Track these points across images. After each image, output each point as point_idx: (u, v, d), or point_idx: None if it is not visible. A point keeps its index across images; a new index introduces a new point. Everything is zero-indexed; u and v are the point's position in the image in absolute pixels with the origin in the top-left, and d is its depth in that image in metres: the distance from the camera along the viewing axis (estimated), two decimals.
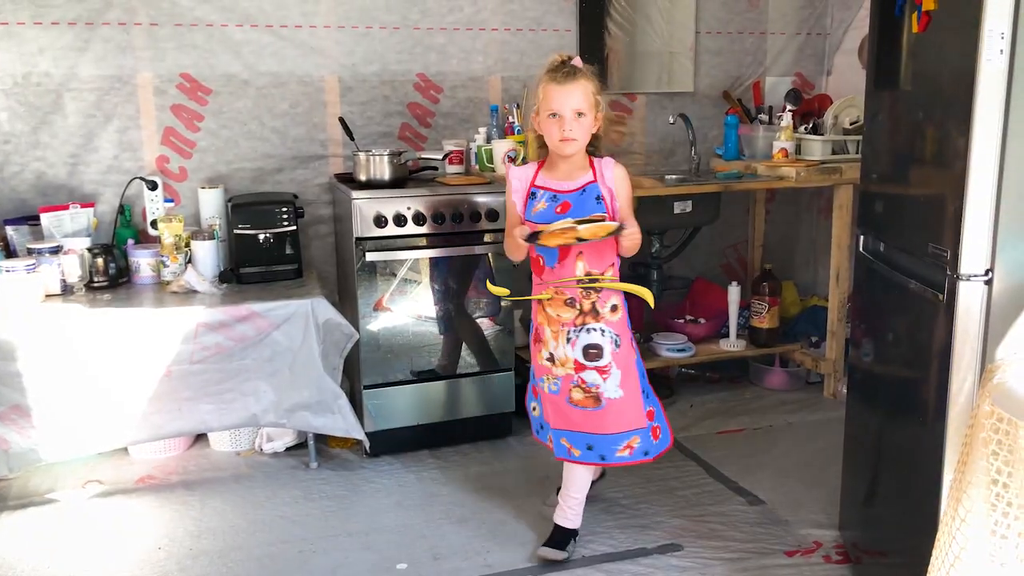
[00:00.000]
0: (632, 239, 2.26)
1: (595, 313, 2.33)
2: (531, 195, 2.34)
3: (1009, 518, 1.22)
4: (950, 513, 1.33)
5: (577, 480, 2.47)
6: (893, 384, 2.14)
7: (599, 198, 2.29)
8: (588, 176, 2.32)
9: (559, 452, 2.44)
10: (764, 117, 3.91)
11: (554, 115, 2.24)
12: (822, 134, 3.67)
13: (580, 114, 2.24)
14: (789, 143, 3.60)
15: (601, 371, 2.34)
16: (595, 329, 2.33)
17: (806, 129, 3.71)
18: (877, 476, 2.26)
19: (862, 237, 2.31)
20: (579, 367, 2.34)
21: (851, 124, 3.64)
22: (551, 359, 2.38)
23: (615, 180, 2.32)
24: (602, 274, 2.32)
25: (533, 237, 2.22)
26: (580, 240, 2.17)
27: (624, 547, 2.49)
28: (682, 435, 3.29)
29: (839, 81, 4.07)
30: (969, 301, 1.74)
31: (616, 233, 2.20)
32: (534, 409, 2.55)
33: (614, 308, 2.36)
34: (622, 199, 2.34)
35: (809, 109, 3.86)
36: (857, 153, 3.60)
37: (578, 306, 2.33)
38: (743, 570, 2.37)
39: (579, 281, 2.29)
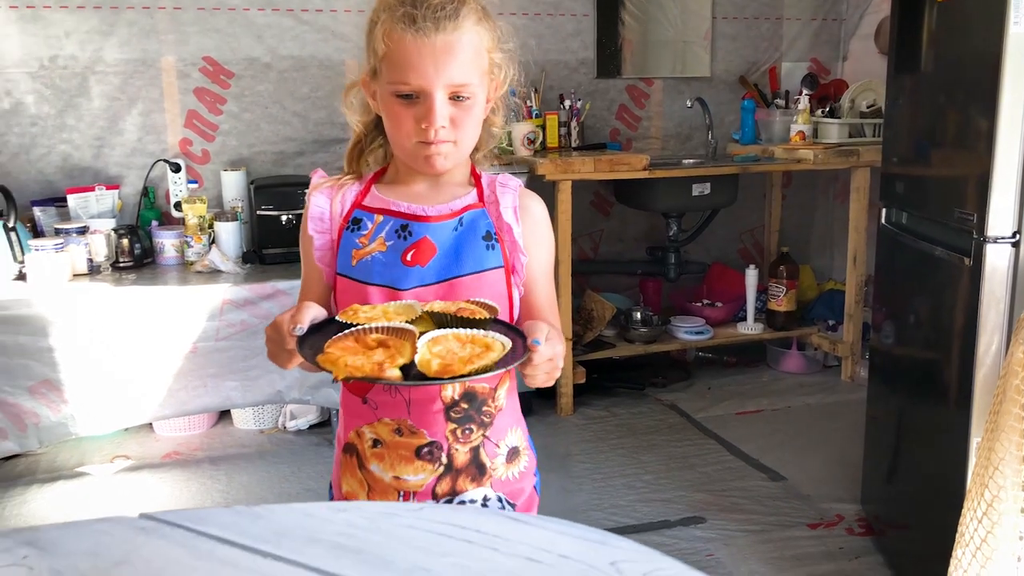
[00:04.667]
0: (550, 369, 1.05)
1: (478, 470, 1.23)
2: (352, 223, 1.22)
3: None
4: (981, 463, 1.35)
5: None
6: (917, 355, 2.16)
7: (490, 237, 1.21)
8: (469, 195, 1.24)
9: None
10: (780, 102, 3.92)
11: (408, 96, 1.13)
12: (839, 117, 3.69)
13: (460, 97, 1.14)
14: (806, 126, 3.62)
15: None
16: (476, 501, 1.24)
17: (823, 113, 3.72)
18: (900, 452, 2.27)
19: (884, 210, 2.32)
20: None
21: (868, 107, 3.66)
22: None
23: (526, 221, 1.24)
24: (494, 389, 1.24)
25: (308, 343, 1.02)
26: (424, 380, 0.96)
27: (647, 520, 2.51)
28: (701, 415, 3.31)
29: (855, 66, 4.08)
30: (996, 263, 1.76)
31: (507, 366, 0.99)
32: None
33: (514, 453, 1.28)
34: (537, 262, 1.24)
35: (825, 94, 3.88)
36: (875, 136, 3.61)
37: (443, 459, 1.21)
38: (767, 541, 2.38)
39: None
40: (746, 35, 3.99)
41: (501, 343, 1.00)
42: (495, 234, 1.21)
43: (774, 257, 3.94)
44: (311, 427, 3.17)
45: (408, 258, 1.18)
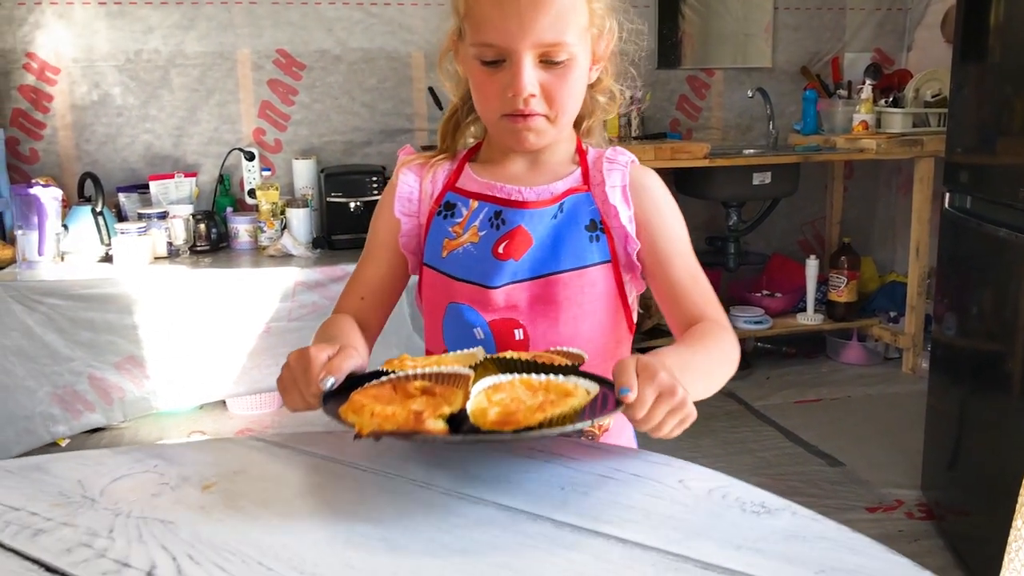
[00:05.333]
0: (674, 408, 0.81)
1: None
2: (444, 208, 1.09)
3: None
4: None
5: None
6: (981, 343, 2.16)
7: (595, 227, 1.04)
8: (572, 176, 1.07)
9: None
10: (843, 92, 3.91)
11: (492, 63, 0.98)
12: (903, 107, 3.66)
13: (554, 60, 0.97)
14: (869, 115, 3.60)
15: None
16: None
17: (886, 102, 3.70)
18: (962, 440, 2.26)
19: (948, 194, 2.32)
20: None
21: (933, 97, 3.62)
22: None
23: (642, 198, 1.06)
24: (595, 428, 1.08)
25: (337, 400, 0.82)
26: (477, 434, 0.75)
27: None
28: (759, 403, 3.32)
29: (920, 56, 4.04)
30: None
31: (593, 418, 0.78)
32: None
33: None
34: (667, 238, 1.06)
35: (889, 84, 3.85)
36: (939, 126, 3.58)
37: None
38: None
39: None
40: (808, 26, 3.98)
41: (585, 389, 0.76)
42: (600, 222, 1.03)
43: (835, 248, 3.93)
44: None
45: (500, 250, 1.02)
